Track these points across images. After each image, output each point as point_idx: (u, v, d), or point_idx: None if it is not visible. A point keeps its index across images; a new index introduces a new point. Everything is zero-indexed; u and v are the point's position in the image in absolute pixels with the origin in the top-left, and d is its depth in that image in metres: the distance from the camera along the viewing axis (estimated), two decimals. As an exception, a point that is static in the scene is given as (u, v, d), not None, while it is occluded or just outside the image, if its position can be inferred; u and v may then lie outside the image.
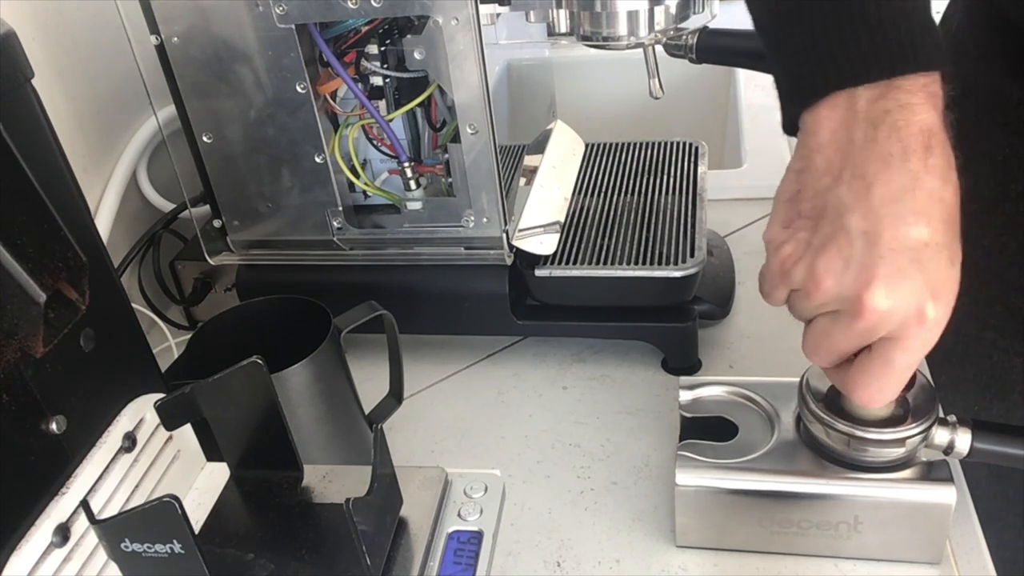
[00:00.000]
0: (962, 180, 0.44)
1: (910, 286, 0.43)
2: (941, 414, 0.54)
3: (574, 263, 0.75)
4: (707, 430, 0.59)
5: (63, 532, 0.44)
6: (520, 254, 0.74)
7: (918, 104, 0.43)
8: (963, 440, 0.53)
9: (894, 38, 0.44)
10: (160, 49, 0.69)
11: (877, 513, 0.54)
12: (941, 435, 0.53)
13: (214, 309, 0.74)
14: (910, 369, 0.46)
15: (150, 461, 0.51)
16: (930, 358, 0.67)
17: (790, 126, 0.48)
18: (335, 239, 0.75)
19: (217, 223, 0.77)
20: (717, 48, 0.77)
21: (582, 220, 0.81)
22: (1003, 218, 0.67)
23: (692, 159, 0.89)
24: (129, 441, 0.49)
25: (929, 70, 0.44)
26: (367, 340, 0.68)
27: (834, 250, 0.44)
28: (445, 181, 0.75)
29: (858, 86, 0.44)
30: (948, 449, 0.53)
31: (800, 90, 0.47)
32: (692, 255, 0.74)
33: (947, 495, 0.53)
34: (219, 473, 0.54)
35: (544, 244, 0.75)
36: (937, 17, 0.50)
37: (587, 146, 0.94)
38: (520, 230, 0.74)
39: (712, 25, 0.76)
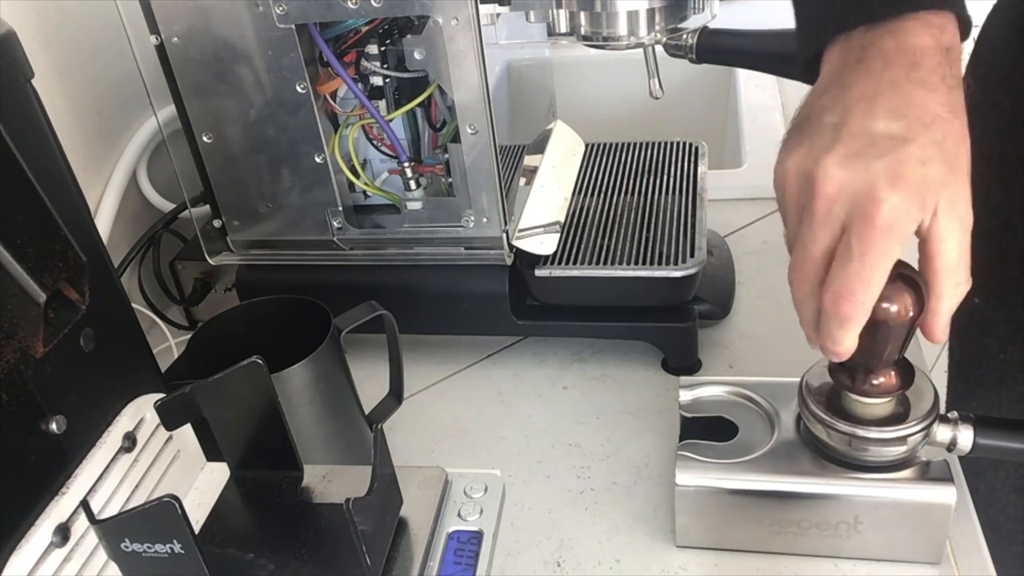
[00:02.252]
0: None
1: (864, 164, 0.42)
2: (942, 410, 0.54)
3: (574, 263, 0.75)
4: (707, 430, 0.59)
5: (63, 532, 0.44)
6: (520, 254, 0.74)
7: (911, 28, 0.43)
8: (966, 436, 0.53)
9: None
10: (160, 49, 0.69)
11: (877, 513, 0.54)
12: (943, 432, 0.53)
13: (214, 309, 0.74)
14: (871, 266, 0.43)
15: (150, 461, 0.51)
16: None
17: (804, 70, 0.49)
18: (335, 239, 0.75)
19: (217, 223, 0.77)
20: (717, 48, 0.77)
21: (582, 220, 0.81)
22: None
23: (692, 159, 0.89)
24: (129, 441, 0.49)
25: (935, 8, 0.43)
26: (367, 340, 0.68)
27: (804, 141, 0.45)
28: (445, 181, 0.75)
29: (858, 27, 0.45)
30: (951, 446, 0.53)
31: (807, 36, 0.48)
32: (692, 255, 0.74)
33: (947, 495, 0.53)
34: (219, 473, 0.54)
35: (544, 244, 0.75)
36: (975, 31, 0.49)
37: (587, 146, 0.94)
38: (520, 230, 0.74)
39: (712, 25, 0.76)
